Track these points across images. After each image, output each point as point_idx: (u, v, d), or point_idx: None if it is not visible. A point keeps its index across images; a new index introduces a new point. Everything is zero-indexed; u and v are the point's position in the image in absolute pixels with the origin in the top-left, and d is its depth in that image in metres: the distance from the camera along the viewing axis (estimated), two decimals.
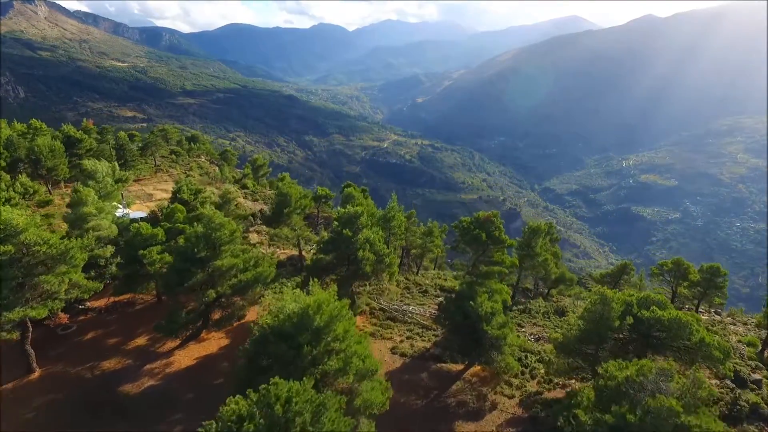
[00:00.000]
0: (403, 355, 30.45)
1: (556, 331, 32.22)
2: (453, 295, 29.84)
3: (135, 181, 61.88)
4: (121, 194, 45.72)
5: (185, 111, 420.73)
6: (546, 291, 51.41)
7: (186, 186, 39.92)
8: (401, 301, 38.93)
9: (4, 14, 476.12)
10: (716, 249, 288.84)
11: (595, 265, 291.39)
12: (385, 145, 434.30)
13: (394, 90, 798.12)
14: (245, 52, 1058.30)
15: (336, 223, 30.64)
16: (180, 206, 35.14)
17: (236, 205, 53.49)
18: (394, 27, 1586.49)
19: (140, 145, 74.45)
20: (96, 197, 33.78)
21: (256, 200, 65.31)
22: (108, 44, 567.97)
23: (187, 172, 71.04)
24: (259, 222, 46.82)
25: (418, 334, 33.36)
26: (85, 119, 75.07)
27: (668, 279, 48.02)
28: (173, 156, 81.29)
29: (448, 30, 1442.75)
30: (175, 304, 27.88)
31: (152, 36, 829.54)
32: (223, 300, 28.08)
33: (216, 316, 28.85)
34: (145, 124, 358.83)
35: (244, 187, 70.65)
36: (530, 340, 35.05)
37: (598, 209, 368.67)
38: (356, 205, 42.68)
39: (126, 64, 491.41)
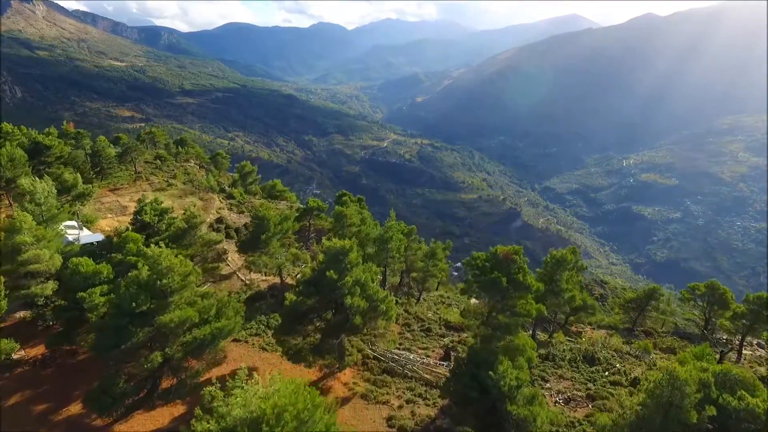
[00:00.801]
0: (402, 429, 24.74)
1: (601, 407, 27.28)
2: (464, 358, 24.30)
3: (111, 190, 57.90)
4: (76, 213, 39.53)
5: (184, 111, 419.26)
6: (564, 320, 45.87)
7: (150, 204, 32.97)
8: (400, 344, 33.47)
9: (2, 13, 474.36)
10: (717, 248, 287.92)
11: (595, 265, 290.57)
12: (385, 145, 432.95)
13: (393, 89, 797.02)
14: (244, 52, 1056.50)
15: (321, 255, 25.25)
16: (134, 234, 29.03)
17: (218, 223, 49.45)
18: (393, 26, 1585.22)
19: (120, 150, 69.15)
20: (35, 223, 28.63)
21: (242, 212, 59.14)
22: (106, 43, 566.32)
23: (170, 180, 65.68)
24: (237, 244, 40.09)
25: (420, 395, 28.16)
26: (65, 121, 70.19)
27: (701, 304, 43.97)
28: (158, 162, 75.97)
29: (447, 29, 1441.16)
30: (111, 370, 21.50)
31: (151, 35, 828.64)
32: (173, 363, 22.21)
33: (166, 383, 22.97)
34: (143, 124, 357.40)
35: (230, 197, 65.51)
36: (559, 403, 28.96)
37: (599, 208, 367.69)
38: (349, 222, 38.25)
39: (124, 64, 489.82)
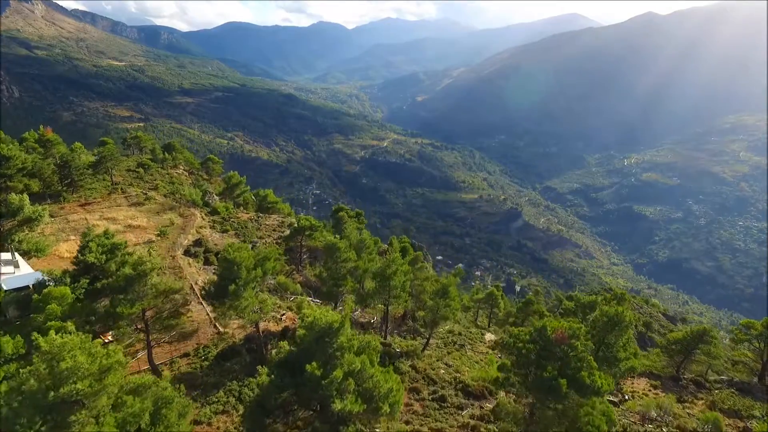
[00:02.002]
0: None
1: None
2: None
3: (82, 206, 51.37)
4: (9, 244, 32.54)
5: (183, 110, 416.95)
6: None
7: (96, 240, 25.23)
8: (407, 423, 25.86)
9: (1, 13, 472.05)
10: (719, 249, 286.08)
11: (597, 265, 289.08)
12: (385, 144, 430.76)
13: (393, 88, 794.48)
14: (244, 51, 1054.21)
15: (301, 332, 18.49)
16: (61, 290, 21.78)
17: (196, 246, 42.06)
18: (393, 25, 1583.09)
19: (96, 158, 60.80)
20: None
21: (226, 231, 51.19)
22: (105, 43, 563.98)
23: (148, 193, 58.44)
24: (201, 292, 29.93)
25: None
26: (42, 126, 62.98)
27: (756, 345, 38.98)
28: (140, 170, 68.32)
29: (447, 28, 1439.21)
30: None
31: (150, 35, 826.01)
32: None
33: None
34: (141, 124, 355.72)
35: (214, 212, 57.48)
36: None
37: (600, 208, 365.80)
38: (343, 257, 31.33)
39: (123, 63, 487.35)
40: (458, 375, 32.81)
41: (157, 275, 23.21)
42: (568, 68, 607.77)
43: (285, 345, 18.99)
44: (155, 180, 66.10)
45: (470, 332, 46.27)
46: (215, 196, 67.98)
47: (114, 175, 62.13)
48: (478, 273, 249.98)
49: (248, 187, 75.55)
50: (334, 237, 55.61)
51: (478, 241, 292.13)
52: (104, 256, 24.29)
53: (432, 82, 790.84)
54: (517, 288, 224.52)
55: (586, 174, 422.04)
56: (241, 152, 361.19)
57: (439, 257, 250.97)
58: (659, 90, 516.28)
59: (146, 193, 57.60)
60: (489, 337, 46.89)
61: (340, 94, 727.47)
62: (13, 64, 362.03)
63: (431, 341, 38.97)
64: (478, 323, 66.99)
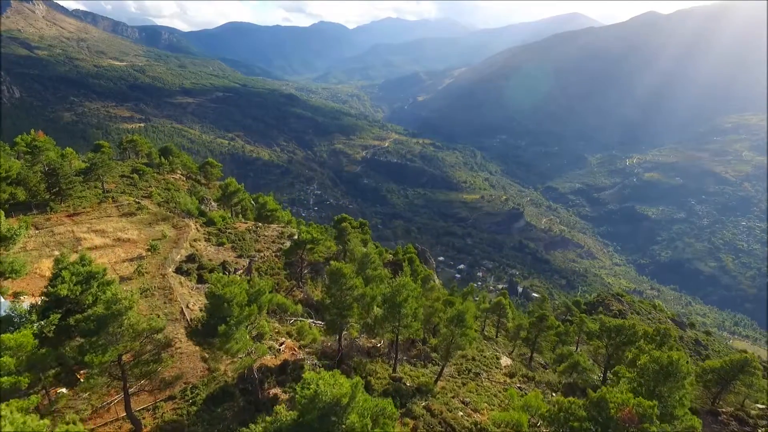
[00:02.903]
0: None
1: None
2: None
3: (69, 216, 47.97)
4: None
5: (183, 110, 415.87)
6: None
7: (70, 269, 21.90)
8: None
9: (2, 13, 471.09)
10: (722, 249, 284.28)
11: (599, 266, 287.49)
12: (386, 144, 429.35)
13: (394, 88, 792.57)
14: (244, 51, 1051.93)
15: (300, 400, 15.84)
16: (13, 337, 18.38)
17: (189, 261, 39.17)
18: (393, 24, 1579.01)
19: (87, 164, 57.14)
20: None
21: (222, 244, 47.23)
22: (106, 43, 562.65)
23: (141, 202, 54.89)
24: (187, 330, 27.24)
25: None
26: (33, 130, 59.50)
27: None
28: (135, 176, 64.49)
29: (447, 28, 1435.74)
30: None
31: (151, 35, 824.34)
32: None
33: None
34: (142, 124, 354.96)
35: (210, 222, 53.36)
36: None
37: (602, 208, 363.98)
38: (348, 284, 27.55)
39: (124, 63, 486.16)
40: (478, 418, 29.36)
41: (136, 313, 19.69)
42: (569, 68, 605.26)
43: (282, 411, 16.08)
44: (150, 187, 63.31)
45: (484, 357, 43.64)
46: (213, 203, 66.47)
47: (106, 182, 59.02)
48: (480, 274, 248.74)
49: (247, 194, 72.87)
50: (337, 246, 54.33)
51: (479, 241, 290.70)
52: (79, 287, 21.06)
53: (433, 81, 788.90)
54: (519, 289, 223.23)
55: (588, 174, 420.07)
56: (242, 152, 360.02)
57: (441, 258, 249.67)
58: (661, 89, 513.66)
59: (139, 202, 54.59)
60: (505, 362, 44.77)
61: (340, 93, 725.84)
62: (13, 65, 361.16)
63: (445, 368, 35.66)
64: (485, 333, 65.73)
